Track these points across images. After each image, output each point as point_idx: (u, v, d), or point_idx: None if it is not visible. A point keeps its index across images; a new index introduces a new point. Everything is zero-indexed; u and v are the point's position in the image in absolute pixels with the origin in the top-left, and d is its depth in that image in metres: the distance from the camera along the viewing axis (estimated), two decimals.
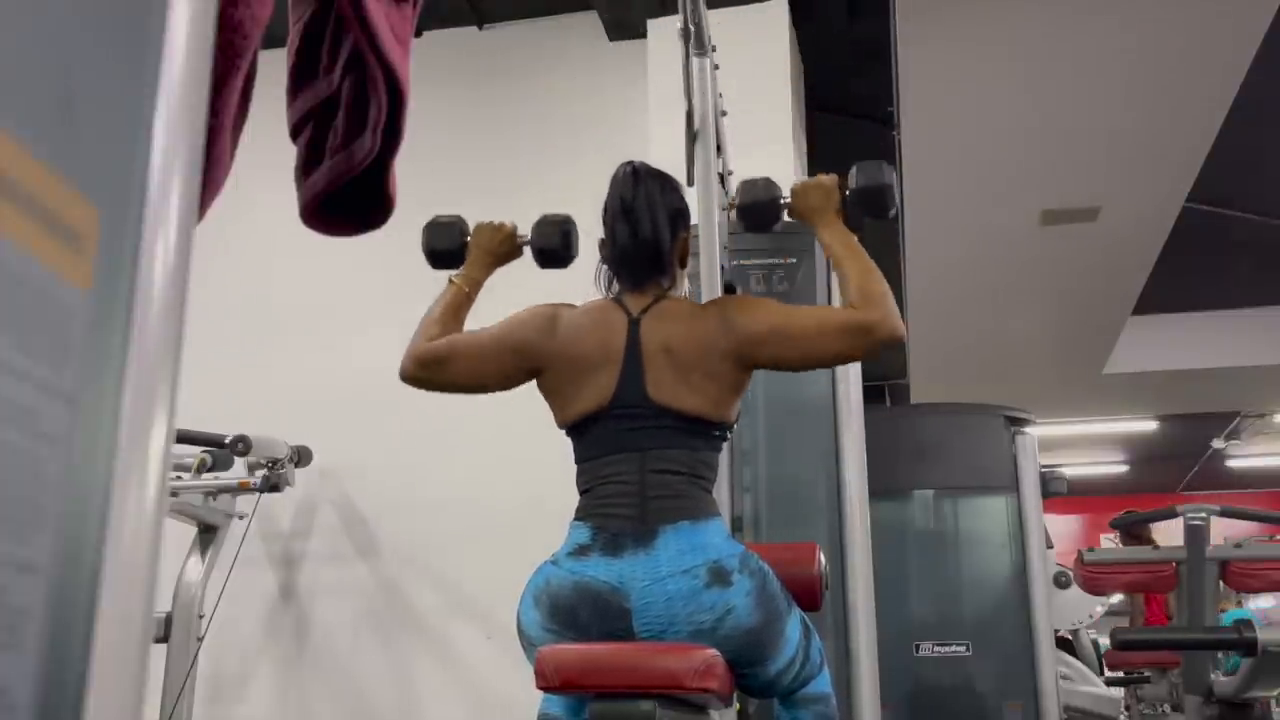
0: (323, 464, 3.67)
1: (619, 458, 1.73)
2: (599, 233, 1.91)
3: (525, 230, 2.09)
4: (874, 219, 1.98)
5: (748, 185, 2.00)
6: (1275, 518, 4.69)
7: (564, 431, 1.83)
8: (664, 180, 1.90)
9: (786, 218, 2.01)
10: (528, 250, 2.10)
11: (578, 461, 1.80)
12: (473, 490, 3.60)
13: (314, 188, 1.04)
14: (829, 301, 2.87)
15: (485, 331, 1.90)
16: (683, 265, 1.94)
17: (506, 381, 1.87)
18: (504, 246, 2.07)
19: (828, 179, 1.93)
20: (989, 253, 5.71)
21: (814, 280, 2.88)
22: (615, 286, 1.90)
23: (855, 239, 1.87)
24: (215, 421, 3.26)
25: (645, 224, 1.83)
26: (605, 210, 1.89)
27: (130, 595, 0.41)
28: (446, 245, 2.08)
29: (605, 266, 1.92)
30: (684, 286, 1.96)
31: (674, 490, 1.70)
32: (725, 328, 1.76)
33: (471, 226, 2.09)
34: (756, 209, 2.00)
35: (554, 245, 2.05)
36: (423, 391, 1.93)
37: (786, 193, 1.98)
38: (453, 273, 2.04)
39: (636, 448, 1.73)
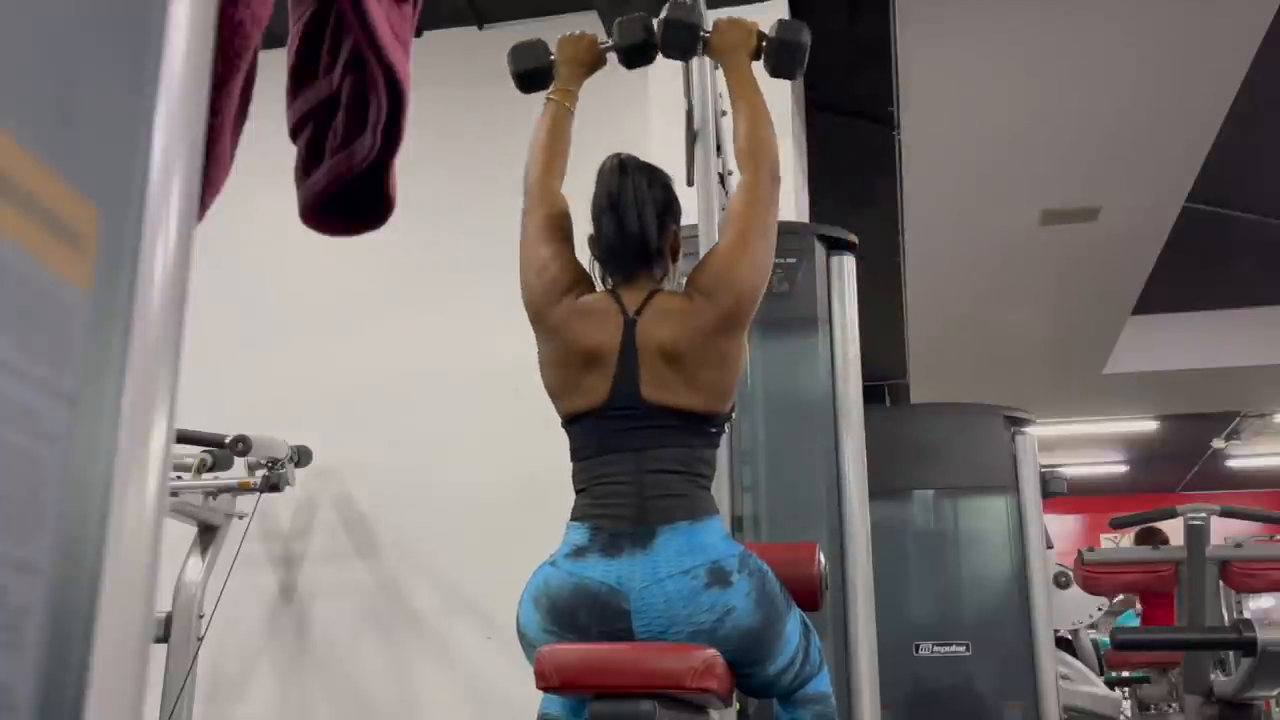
0: (323, 464, 3.67)
1: (615, 457, 1.73)
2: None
3: (604, 38, 2.10)
4: (781, 75, 2.02)
5: (676, 4, 2.01)
6: (1275, 518, 4.69)
7: (561, 423, 1.83)
8: (652, 173, 1.90)
9: (702, 52, 2.05)
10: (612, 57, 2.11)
11: (573, 459, 1.80)
12: (473, 490, 3.60)
13: (314, 188, 1.04)
14: (829, 312, 2.87)
15: (534, 232, 1.92)
16: (674, 258, 1.93)
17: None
18: (590, 54, 2.08)
19: (750, 21, 2.00)
20: (989, 253, 5.71)
21: (813, 280, 2.88)
22: (608, 281, 1.90)
23: (755, 85, 1.95)
24: (215, 421, 3.26)
25: (631, 217, 1.82)
26: (593, 205, 1.88)
27: (130, 595, 0.41)
28: (532, 65, 2.09)
29: (595, 262, 1.92)
30: (678, 282, 1.96)
31: (672, 489, 1.70)
32: (701, 300, 1.77)
33: (553, 45, 2.10)
34: (677, 27, 2.01)
35: (638, 41, 2.06)
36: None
37: (709, 23, 2.03)
38: (547, 91, 2.06)
39: (632, 447, 1.72)
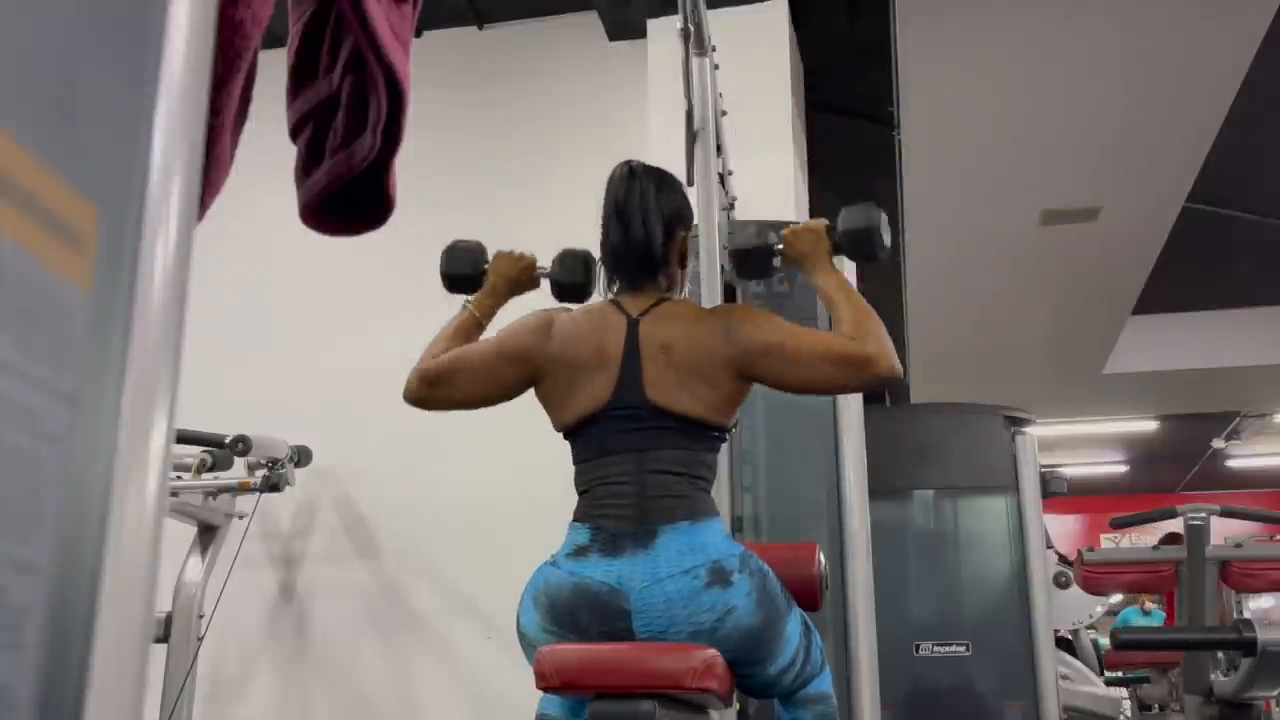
0: (323, 464, 3.67)
1: (617, 458, 1.73)
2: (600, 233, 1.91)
3: (544, 260, 2.08)
4: (863, 261, 1.99)
5: (739, 233, 2.01)
6: (1275, 518, 4.69)
7: (562, 435, 1.83)
8: (661, 179, 1.89)
9: (777, 264, 2.01)
10: (545, 282, 2.09)
11: (576, 462, 1.80)
12: (473, 490, 3.60)
13: (314, 187, 1.04)
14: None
15: (484, 343, 1.91)
16: (682, 265, 1.93)
17: (507, 392, 1.87)
18: (523, 277, 2.06)
19: (816, 223, 1.94)
20: (989, 253, 5.71)
21: None
22: (614, 288, 1.90)
23: (847, 281, 1.88)
24: (215, 421, 3.26)
25: (637, 224, 1.82)
26: (602, 211, 1.89)
27: (130, 595, 0.41)
28: (465, 271, 2.07)
29: (602, 268, 1.92)
30: (685, 288, 1.96)
31: (673, 490, 1.70)
32: (727, 337, 1.76)
33: (491, 254, 2.08)
34: (752, 255, 2.01)
35: (574, 280, 2.05)
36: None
37: (777, 239, 1.98)
38: (467, 298, 2.04)
39: (635, 448, 1.72)
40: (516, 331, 1.87)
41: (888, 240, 1.93)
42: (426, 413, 1.94)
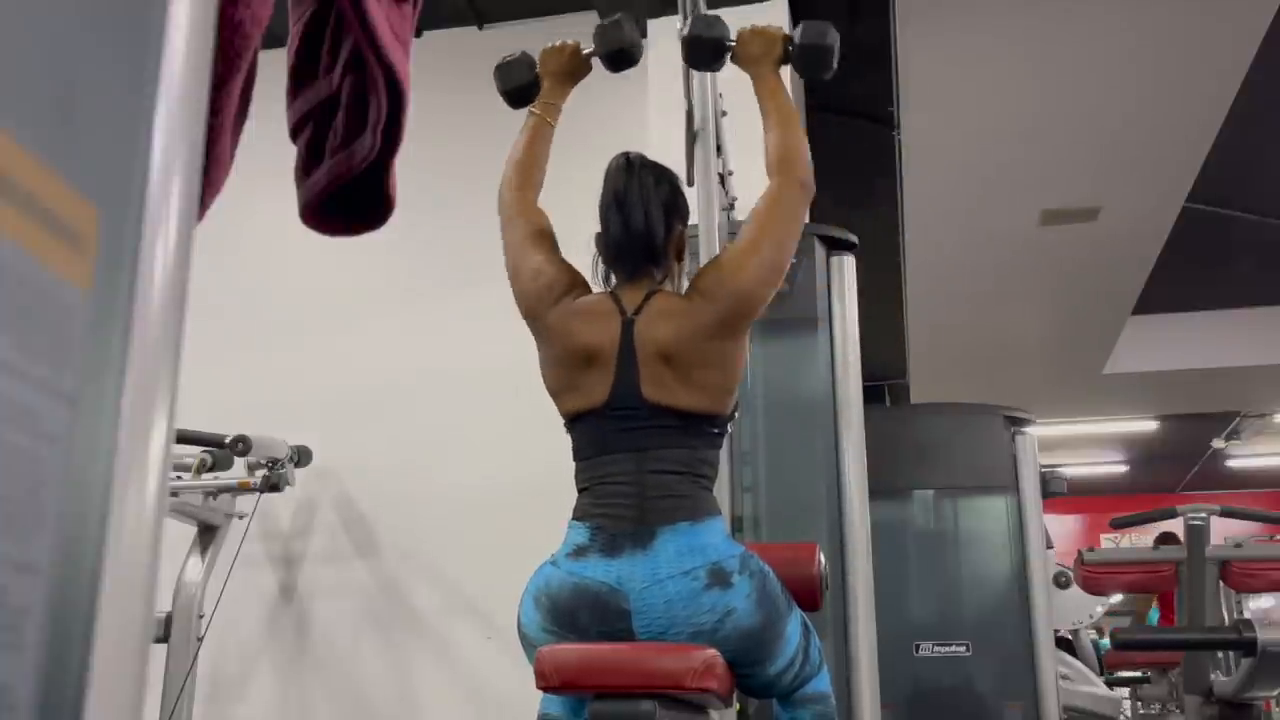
0: (323, 464, 3.67)
1: (617, 457, 1.73)
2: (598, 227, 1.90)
3: (587, 45, 2.09)
4: (812, 78, 2.01)
5: (698, 20, 2.01)
6: (1275, 518, 4.69)
7: (562, 422, 1.83)
8: (659, 172, 1.89)
9: (730, 62, 2.03)
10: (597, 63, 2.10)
11: (575, 459, 1.79)
12: (473, 490, 3.60)
13: (314, 188, 1.04)
14: (829, 306, 2.87)
15: (523, 243, 1.91)
16: (679, 259, 1.93)
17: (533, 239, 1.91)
18: (573, 63, 2.09)
19: (773, 29, 1.98)
20: (989, 253, 5.71)
21: (813, 280, 2.88)
22: (612, 280, 1.90)
23: (785, 94, 1.94)
24: (215, 421, 3.26)
25: (638, 215, 1.82)
26: (600, 203, 1.88)
27: (130, 595, 0.41)
28: (519, 81, 2.08)
29: (600, 260, 1.92)
30: (682, 284, 1.96)
31: (673, 490, 1.69)
32: (700, 301, 1.77)
33: (536, 57, 2.10)
34: (702, 44, 2.01)
35: (621, 45, 2.06)
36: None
37: (733, 34, 2.01)
38: (530, 105, 2.05)
39: (634, 448, 1.72)
40: (538, 270, 1.87)
41: (835, 64, 1.98)
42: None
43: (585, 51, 2.08)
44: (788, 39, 1.98)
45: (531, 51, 2.13)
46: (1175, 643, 3.47)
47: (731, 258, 1.80)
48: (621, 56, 2.06)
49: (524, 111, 2.07)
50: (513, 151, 2.00)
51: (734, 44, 2.00)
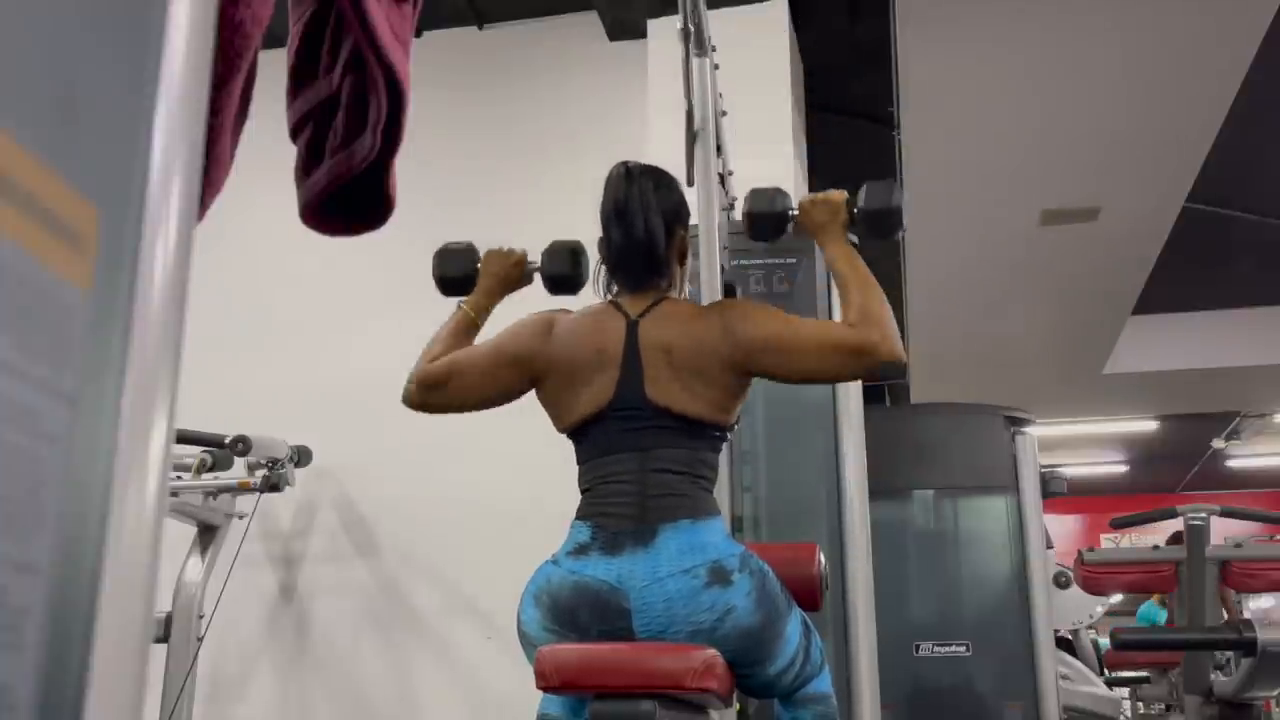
0: (323, 464, 3.67)
1: (619, 457, 1.73)
2: (599, 233, 1.91)
3: (535, 257, 2.08)
4: (880, 239, 1.98)
5: (757, 194, 1.98)
6: (1275, 518, 4.69)
7: (565, 435, 1.84)
8: (659, 178, 1.89)
9: (792, 231, 2.00)
10: (538, 277, 2.09)
11: (579, 462, 1.80)
12: (473, 490, 3.60)
13: (314, 188, 1.04)
14: (830, 303, 2.87)
15: (482, 345, 1.90)
16: (681, 264, 1.93)
17: (508, 395, 1.87)
18: (514, 273, 2.07)
19: (836, 195, 1.91)
20: (989, 253, 5.71)
21: (813, 280, 2.88)
22: (614, 288, 1.90)
23: (859, 258, 1.86)
24: (215, 421, 3.26)
25: (639, 224, 1.82)
26: (600, 212, 1.89)
27: (130, 595, 0.41)
28: (457, 272, 2.08)
29: (603, 268, 1.92)
30: (684, 287, 1.96)
31: (674, 489, 1.70)
32: (726, 333, 1.76)
33: (482, 253, 2.08)
34: (764, 219, 1.98)
35: (565, 272, 2.05)
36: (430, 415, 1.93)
37: (794, 204, 1.97)
38: (461, 299, 2.04)
39: (637, 447, 1.73)
40: (516, 333, 1.87)
41: (906, 221, 1.92)
42: (427, 415, 1.94)
43: (530, 265, 2.07)
44: (851, 204, 1.91)
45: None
46: (1175, 643, 3.47)
47: (790, 345, 1.74)
48: (563, 281, 2.06)
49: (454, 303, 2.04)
50: (432, 345, 1.94)
51: (796, 214, 1.95)
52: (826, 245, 1.90)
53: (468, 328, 1.99)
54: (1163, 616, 6.11)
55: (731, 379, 1.77)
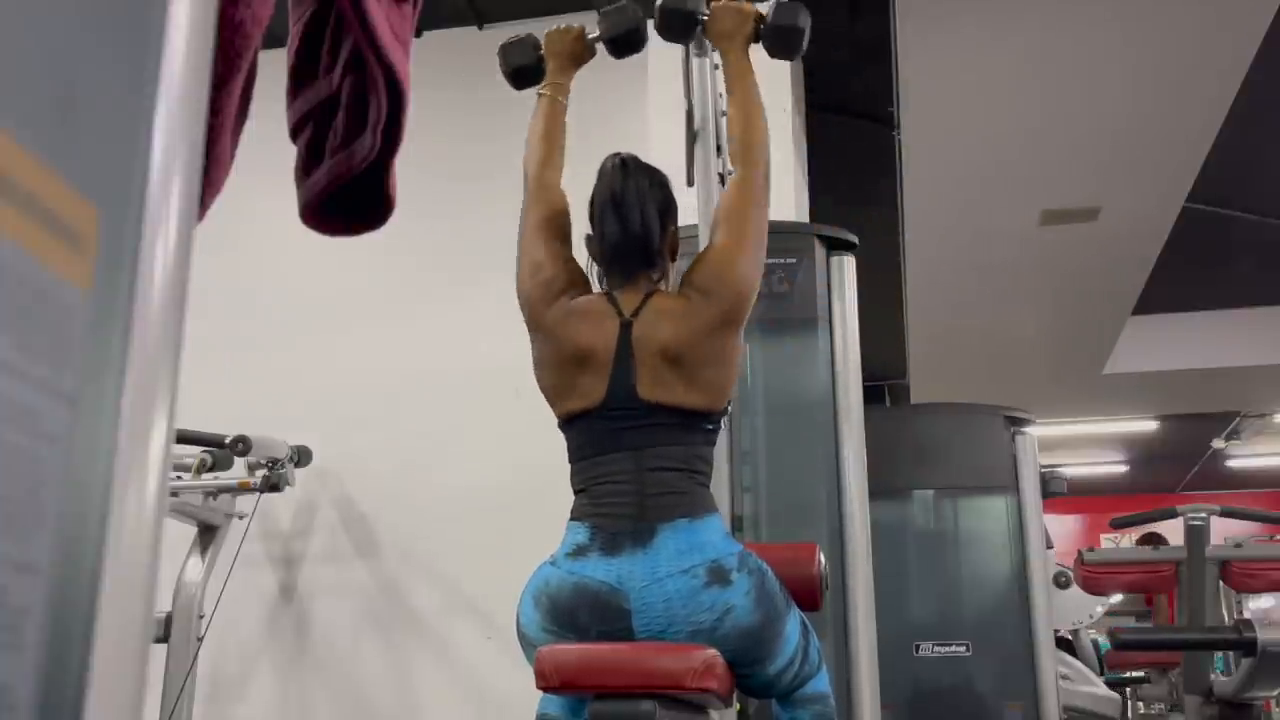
0: (323, 464, 3.67)
1: (614, 457, 1.73)
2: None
3: (592, 29, 2.09)
4: (780, 58, 2.02)
5: None
6: (1275, 518, 4.69)
7: (558, 424, 1.83)
8: (652, 173, 1.90)
9: (699, 32, 2.05)
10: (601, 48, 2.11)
11: (571, 460, 1.80)
12: (473, 490, 3.60)
13: (314, 188, 1.04)
14: (829, 313, 2.87)
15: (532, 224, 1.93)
16: (673, 258, 1.93)
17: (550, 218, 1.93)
18: (577, 45, 2.09)
19: (747, 6, 1.99)
20: (989, 253, 5.71)
21: (814, 280, 2.88)
22: (605, 282, 1.89)
23: (752, 75, 1.96)
24: (215, 421, 3.26)
25: (635, 217, 1.82)
26: (592, 204, 1.88)
27: (130, 595, 0.41)
28: (523, 61, 2.10)
29: (594, 263, 1.92)
30: (674, 280, 1.95)
31: (672, 487, 1.70)
32: (699, 298, 1.77)
33: (541, 38, 2.11)
34: (675, 15, 2.02)
35: (626, 29, 2.06)
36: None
37: (707, 9, 2.03)
38: (538, 87, 2.07)
39: (631, 446, 1.72)
40: (539, 265, 1.87)
41: (804, 46, 2.01)
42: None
43: (590, 36, 2.09)
44: (761, 17, 1.99)
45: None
46: (1175, 643, 3.47)
47: (721, 254, 1.81)
48: (626, 41, 2.07)
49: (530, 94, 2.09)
50: (531, 131, 2.02)
51: (707, 16, 2.01)
52: (727, 51, 1.98)
53: (556, 109, 2.04)
54: None
55: (726, 339, 1.77)
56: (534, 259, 1.87)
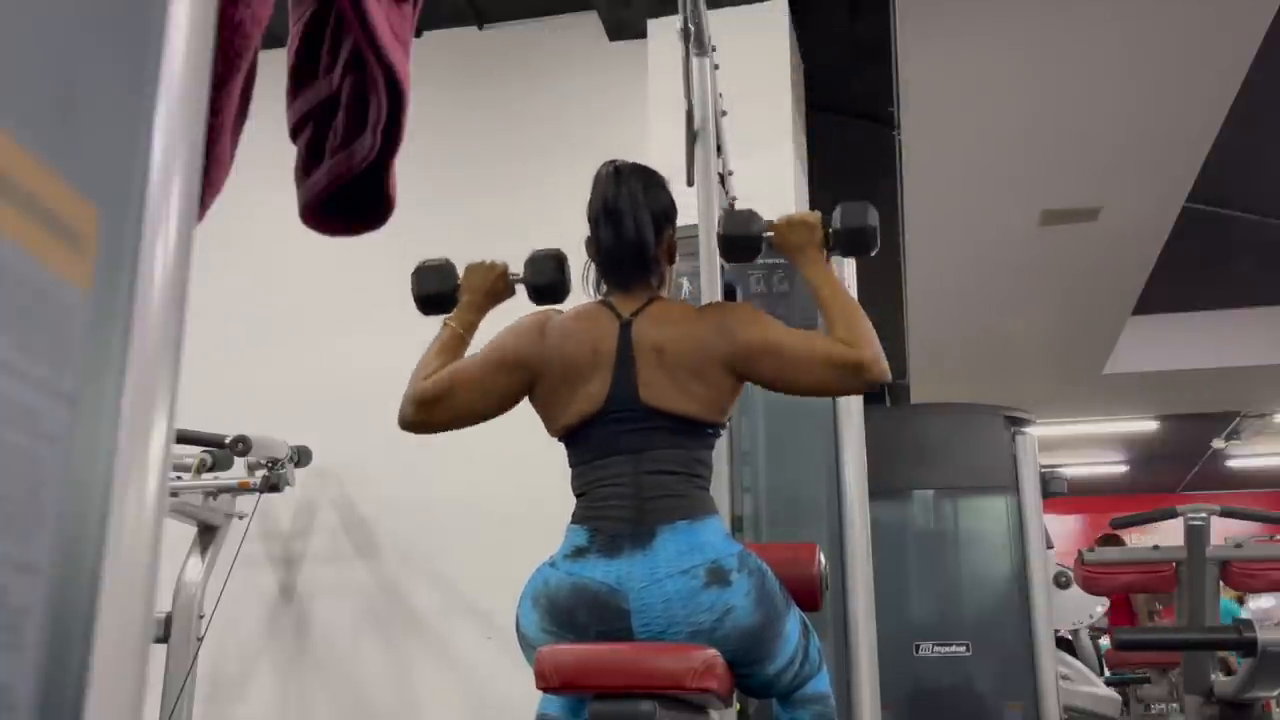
0: (323, 464, 3.67)
1: (614, 460, 1.73)
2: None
3: (517, 269, 2.03)
4: (855, 258, 1.97)
5: (731, 216, 1.95)
6: (1275, 518, 4.69)
7: (558, 438, 1.83)
8: (648, 178, 1.88)
9: (767, 252, 1.97)
10: (521, 289, 2.04)
11: (572, 465, 1.80)
12: (473, 490, 3.60)
13: (314, 187, 1.04)
14: None
15: (478, 356, 1.87)
16: (670, 262, 1.93)
17: (506, 403, 1.85)
18: (497, 285, 2.01)
19: (811, 216, 1.90)
20: (989, 253, 5.71)
21: None
22: (603, 287, 1.90)
23: (837, 280, 1.86)
24: (215, 421, 3.26)
25: (629, 224, 1.82)
26: (589, 212, 1.88)
27: (130, 595, 0.41)
28: (437, 289, 2.01)
29: (592, 267, 1.92)
30: (682, 289, 1.96)
31: (670, 490, 1.70)
32: (722, 335, 1.76)
33: (461, 269, 2.03)
34: (738, 241, 1.95)
35: (548, 281, 1.99)
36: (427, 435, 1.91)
37: (768, 225, 1.94)
38: (446, 316, 1.99)
39: (631, 450, 1.73)
40: (513, 337, 1.85)
41: (879, 242, 1.91)
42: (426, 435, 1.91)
43: (512, 276, 2.02)
44: (826, 223, 1.90)
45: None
46: (1175, 643, 3.47)
47: (788, 354, 1.75)
48: (549, 290, 1.99)
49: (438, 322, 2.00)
50: (423, 361, 1.89)
51: (771, 235, 1.92)
52: (804, 267, 1.88)
53: (457, 344, 1.94)
54: (1239, 610, 6.09)
55: (726, 379, 1.77)
56: (503, 357, 1.82)
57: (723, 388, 1.77)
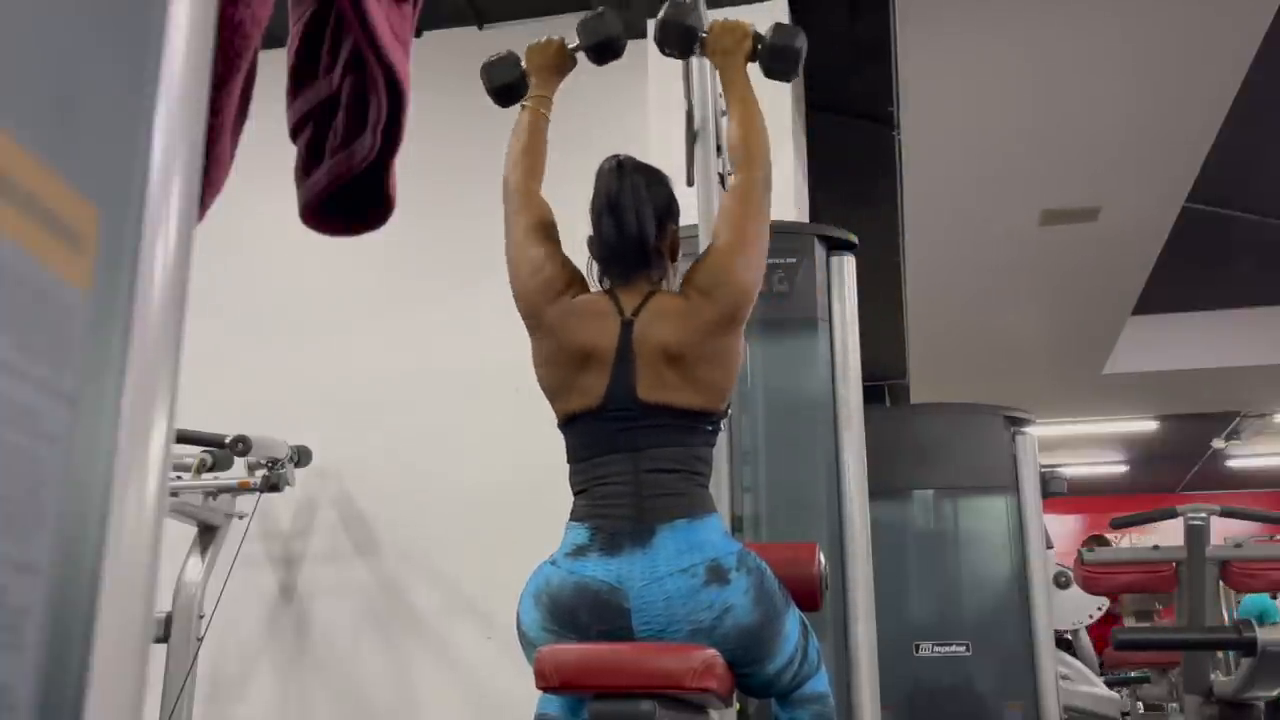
0: (323, 464, 3.67)
1: (613, 458, 1.73)
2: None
3: (572, 39, 2.10)
4: (776, 78, 2.03)
5: (674, 4, 2.02)
6: (1275, 518, 4.69)
7: (558, 424, 1.83)
8: (650, 174, 1.90)
9: (696, 50, 2.06)
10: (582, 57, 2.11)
11: (570, 461, 1.80)
12: (473, 490, 3.60)
13: (314, 188, 1.04)
14: (829, 313, 2.87)
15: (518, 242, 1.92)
16: (673, 258, 1.93)
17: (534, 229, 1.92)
18: (558, 57, 2.09)
19: (745, 24, 2.01)
20: (989, 253, 5.71)
21: (813, 280, 2.88)
22: (605, 282, 1.90)
23: (751, 89, 1.97)
24: (215, 421, 3.26)
25: (630, 219, 1.82)
26: (591, 206, 1.88)
27: (130, 595, 0.41)
28: (506, 79, 2.08)
29: (594, 262, 1.92)
30: (676, 280, 1.96)
31: (670, 488, 1.70)
32: (699, 299, 1.77)
33: (522, 54, 2.11)
34: (674, 29, 2.02)
35: (606, 37, 2.05)
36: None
37: (706, 25, 2.04)
38: (521, 101, 2.06)
39: (630, 447, 1.72)
40: (539, 268, 1.87)
41: (800, 68, 2.03)
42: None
43: (570, 46, 2.09)
44: (758, 37, 2.00)
45: (519, 50, 2.12)
46: (1175, 643, 3.47)
47: (722, 255, 1.81)
48: (606, 48, 2.07)
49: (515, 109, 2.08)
50: (512, 144, 2.01)
51: (705, 34, 2.02)
52: (725, 69, 1.99)
53: (539, 122, 2.02)
54: (1274, 607, 6.07)
55: (727, 338, 1.77)
56: (532, 260, 1.87)
57: (729, 352, 1.77)
